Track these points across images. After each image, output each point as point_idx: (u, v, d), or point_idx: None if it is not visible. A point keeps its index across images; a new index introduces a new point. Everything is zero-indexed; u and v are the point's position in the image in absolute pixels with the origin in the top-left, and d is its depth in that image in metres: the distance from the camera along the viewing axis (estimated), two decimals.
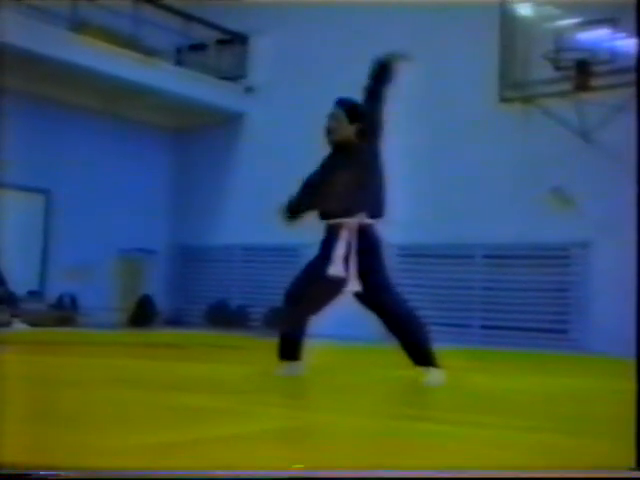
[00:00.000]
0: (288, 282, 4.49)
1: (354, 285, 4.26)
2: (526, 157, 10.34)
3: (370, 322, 4.42)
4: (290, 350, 4.40)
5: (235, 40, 13.33)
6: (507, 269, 10.58)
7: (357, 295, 4.31)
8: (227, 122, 13.31)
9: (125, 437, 2.36)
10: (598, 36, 9.72)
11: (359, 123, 4.33)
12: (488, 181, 10.61)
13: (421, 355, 4.24)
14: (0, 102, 8.41)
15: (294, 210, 4.39)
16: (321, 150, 4.44)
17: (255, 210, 11.99)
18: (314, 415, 3.18)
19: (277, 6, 12.46)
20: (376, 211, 4.37)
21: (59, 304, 11.90)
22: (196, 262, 13.66)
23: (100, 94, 12.09)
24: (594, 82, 9.78)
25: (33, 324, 10.40)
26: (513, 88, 10.50)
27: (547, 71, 10.01)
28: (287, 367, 4.38)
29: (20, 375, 3.79)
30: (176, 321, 13.02)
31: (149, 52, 12.00)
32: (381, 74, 4.47)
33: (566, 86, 9.92)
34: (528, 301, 10.29)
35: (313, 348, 4.49)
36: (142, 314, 12.43)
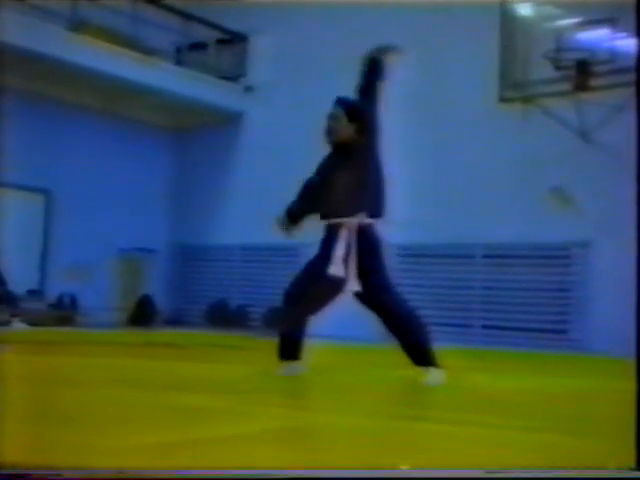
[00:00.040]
0: (288, 282, 4.49)
1: (354, 285, 4.25)
2: (526, 157, 10.34)
3: (370, 322, 4.42)
4: (290, 350, 4.39)
5: (235, 40, 13.33)
6: (507, 269, 10.58)
7: (357, 295, 4.31)
8: (227, 122, 13.31)
9: (125, 437, 2.36)
10: (598, 36, 9.72)
11: (359, 123, 4.32)
12: (488, 181, 10.61)
13: (421, 355, 4.24)
14: (0, 101, 8.41)
15: (294, 217, 4.41)
16: (321, 150, 4.44)
17: (255, 210, 11.99)
18: (314, 415, 3.17)
19: (277, 6, 12.46)
20: (376, 211, 4.36)
21: (59, 304, 11.91)
22: (196, 262, 13.66)
23: (100, 94, 12.09)
24: (594, 82, 9.78)
25: (33, 323, 10.40)
26: (513, 88, 10.50)
27: (547, 71, 10.01)
28: (287, 367, 4.38)
29: (20, 375, 3.79)
30: (176, 321, 13.02)
31: (149, 52, 12.00)
32: (373, 70, 4.44)
33: (566, 86, 9.92)
34: (528, 301, 10.29)
35: (313, 348, 4.48)
36: (142, 314, 12.43)
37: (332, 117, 4.36)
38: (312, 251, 4.46)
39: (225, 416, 2.91)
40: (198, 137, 13.77)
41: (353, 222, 4.27)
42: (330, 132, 4.37)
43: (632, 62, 7.49)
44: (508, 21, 10.52)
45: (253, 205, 12.39)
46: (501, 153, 10.55)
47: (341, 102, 4.38)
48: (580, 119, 9.81)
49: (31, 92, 11.38)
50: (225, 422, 2.76)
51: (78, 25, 11.21)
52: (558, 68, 9.96)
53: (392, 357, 4.44)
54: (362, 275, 4.26)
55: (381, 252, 4.36)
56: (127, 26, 11.69)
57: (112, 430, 2.49)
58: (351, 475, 1.96)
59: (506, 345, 9.85)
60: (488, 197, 10.59)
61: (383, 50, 4.47)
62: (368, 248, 4.29)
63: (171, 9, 12.44)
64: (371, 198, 4.34)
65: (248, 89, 13.15)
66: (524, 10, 10.55)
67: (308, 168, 4.44)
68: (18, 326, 10.11)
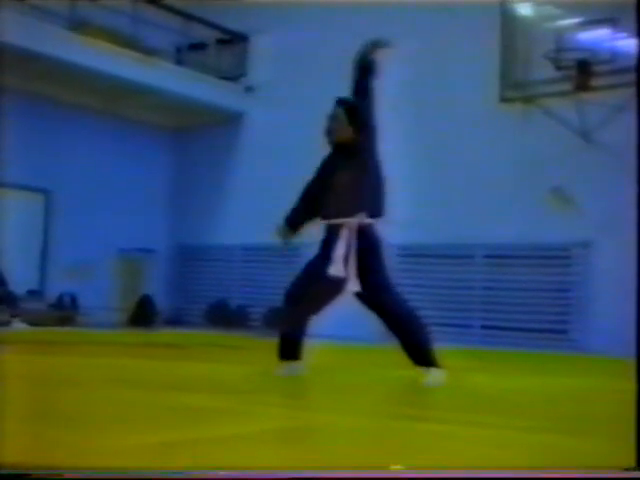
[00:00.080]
0: (288, 282, 4.49)
1: (354, 285, 4.25)
2: (526, 157, 10.34)
3: (370, 322, 4.42)
4: (290, 350, 4.39)
5: (235, 40, 13.33)
6: (507, 269, 10.58)
7: (357, 295, 4.31)
8: (227, 122, 13.31)
9: (125, 437, 2.36)
10: (598, 36, 9.72)
11: (359, 123, 4.32)
12: (488, 181, 10.61)
13: (421, 355, 4.24)
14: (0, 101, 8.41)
15: (294, 225, 4.42)
16: (321, 150, 4.44)
17: (255, 210, 12.00)
18: (314, 415, 3.17)
19: (277, 6, 12.46)
20: (376, 211, 4.36)
21: (59, 304, 11.91)
22: (196, 262, 13.66)
23: (100, 94, 12.09)
24: (594, 82, 9.78)
25: (33, 323, 10.39)
26: (514, 88, 10.50)
27: (548, 71, 10.01)
28: (287, 367, 4.38)
29: (20, 375, 3.79)
30: (176, 321, 13.02)
31: (149, 51, 12.00)
32: (366, 70, 4.41)
33: (566, 86, 9.92)
34: (528, 301, 10.29)
35: (313, 348, 4.48)
36: (142, 314, 12.42)
37: (332, 118, 4.37)
38: (312, 251, 4.46)
39: (225, 416, 2.91)
40: (198, 137, 13.76)
41: (353, 222, 4.27)
42: (330, 132, 4.38)
43: (633, 62, 7.49)
44: (509, 21, 10.52)
45: (253, 205, 12.39)
46: (501, 153, 10.55)
47: (341, 103, 4.38)
48: (581, 119, 9.80)
49: (31, 92, 11.38)
50: (225, 422, 2.76)
51: (78, 25, 11.21)
52: (559, 68, 9.96)
53: (392, 357, 4.44)
54: (362, 275, 4.26)
55: (381, 252, 4.36)
56: (127, 26, 11.69)
57: (112, 430, 2.49)
58: (351, 475, 1.96)
59: (506, 345, 9.84)
60: (488, 197, 10.59)
61: (374, 46, 4.42)
62: (368, 248, 4.29)
63: (171, 9, 12.44)
64: (371, 198, 4.34)
65: (248, 89, 13.15)
66: (525, 10, 10.55)
67: (308, 168, 4.45)
68: (18, 326, 10.11)
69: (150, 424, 2.68)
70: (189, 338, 9.66)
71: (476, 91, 10.72)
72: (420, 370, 4.24)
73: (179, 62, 13.13)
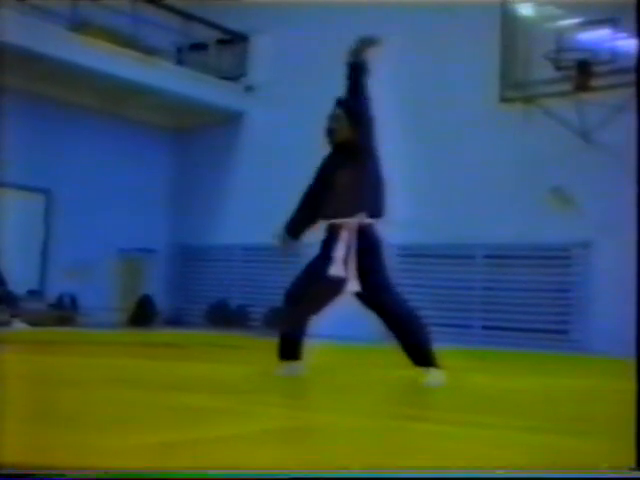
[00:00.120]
0: (288, 282, 4.49)
1: (354, 285, 4.25)
2: (526, 157, 10.34)
3: (370, 322, 4.42)
4: (290, 350, 4.39)
5: (235, 40, 13.33)
6: (507, 269, 10.58)
7: (357, 295, 4.31)
8: (227, 122, 13.31)
9: (125, 437, 2.35)
10: (599, 36, 9.72)
11: (359, 123, 4.31)
12: (488, 181, 10.61)
13: (421, 355, 4.24)
14: (0, 101, 8.42)
15: (294, 232, 4.42)
16: (321, 150, 4.44)
17: (255, 210, 12.00)
18: (314, 415, 3.17)
19: (277, 6, 12.46)
20: (376, 211, 4.36)
21: (59, 304, 11.91)
22: (196, 262, 13.66)
23: (100, 94, 12.09)
24: (594, 82, 9.79)
25: (33, 323, 10.40)
26: (514, 88, 10.51)
27: (548, 71, 10.01)
28: (287, 367, 4.37)
29: (20, 375, 3.79)
30: (176, 321, 13.02)
31: (149, 52, 12.00)
32: (355, 66, 4.37)
33: (567, 86, 9.93)
34: (528, 301, 10.29)
35: (313, 348, 4.48)
36: (142, 314, 12.43)
37: (333, 118, 4.37)
38: (312, 251, 4.46)
39: (225, 416, 2.91)
40: (198, 137, 13.77)
41: (353, 222, 4.27)
42: (331, 132, 4.38)
43: (633, 62, 7.49)
44: (509, 21, 10.52)
45: (253, 205, 12.40)
46: (501, 153, 10.55)
47: (342, 103, 4.38)
48: (581, 119, 9.81)
49: (31, 92, 11.38)
50: (225, 422, 2.76)
51: (78, 25, 11.21)
52: (559, 68, 9.96)
53: (392, 357, 4.44)
54: (362, 275, 4.26)
55: (381, 252, 4.36)
56: (127, 26, 11.70)
57: (112, 430, 2.49)
58: (351, 475, 1.96)
59: (506, 346, 9.84)
60: (488, 197, 10.59)
61: (363, 44, 4.37)
62: (368, 248, 4.29)
63: (171, 9, 12.44)
64: (371, 198, 4.34)
65: (248, 89, 13.16)
66: (525, 10, 10.55)
67: (308, 168, 4.45)
68: (18, 326, 10.11)
69: (150, 424, 2.68)
70: (189, 338, 9.66)
71: (476, 91, 10.72)
72: (420, 370, 4.24)
73: (179, 62, 13.13)
